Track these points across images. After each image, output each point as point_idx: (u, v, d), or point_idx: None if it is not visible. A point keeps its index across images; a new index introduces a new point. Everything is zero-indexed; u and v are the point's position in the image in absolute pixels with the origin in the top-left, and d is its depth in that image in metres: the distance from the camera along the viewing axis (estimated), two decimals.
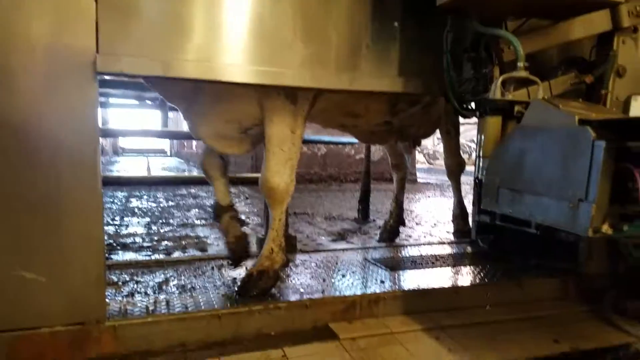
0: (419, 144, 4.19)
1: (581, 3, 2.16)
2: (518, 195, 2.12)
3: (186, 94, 2.64)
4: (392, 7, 2.55)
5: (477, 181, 2.45)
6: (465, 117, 2.64)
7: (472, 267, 3.27)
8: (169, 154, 22.90)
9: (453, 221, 4.04)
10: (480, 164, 2.37)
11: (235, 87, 2.42)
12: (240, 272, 3.03)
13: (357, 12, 2.48)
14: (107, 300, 2.31)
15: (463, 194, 4.08)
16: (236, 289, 2.65)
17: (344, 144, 7.29)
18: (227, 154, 2.97)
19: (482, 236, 3.97)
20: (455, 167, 3.94)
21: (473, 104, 2.56)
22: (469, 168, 3.66)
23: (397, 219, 4.14)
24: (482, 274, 3.10)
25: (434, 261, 3.39)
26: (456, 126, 3.86)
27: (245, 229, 3.15)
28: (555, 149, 1.94)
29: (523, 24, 2.48)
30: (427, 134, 3.94)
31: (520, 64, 2.22)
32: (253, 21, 2.29)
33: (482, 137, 2.33)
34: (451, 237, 4.16)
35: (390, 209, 4.19)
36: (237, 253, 3.01)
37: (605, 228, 1.79)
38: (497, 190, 2.22)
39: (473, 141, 15.71)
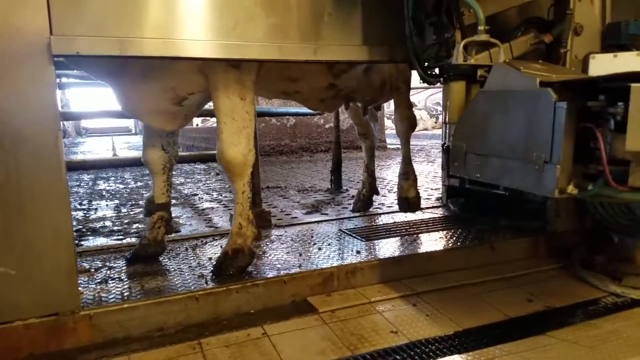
0: (378, 109, 4.13)
1: None
2: (485, 160, 2.14)
3: (114, 69, 2.49)
4: None
5: (444, 147, 2.47)
6: (430, 83, 2.63)
7: (444, 231, 3.33)
8: (133, 131, 22.40)
9: (398, 189, 3.78)
10: (447, 130, 2.39)
11: None
12: (214, 252, 3.01)
13: None
14: (80, 288, 2.26)
15: (432, 158, 4.10)
16: (211, 269, 2.63)
17: (312, 114, 7.23)
18: (163, 130, 2.83)
19: (452, 200, 4.05)
20: (403, 124, 3.66)
21: (437, 70, 2.56)
22: (434, 132, 3.67)
23: (370, 188, 4.13)
24: (454, 238, 3.16)
25: (408, 228, 3.43)
26: (408, 83, 3.64)
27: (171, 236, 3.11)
28: (518, 112, 1.96)
29: None
30: (374, 100, 3.76)
31: (481, 27, 2.22)
32: None
33: (448, 102, 2.33)
34: (422, 203, 4.20)
35: (362, 179, 4.19)
36: (143, 255, 2.85)
37: (571, 189, 1.83)
38: (464, 156, 2.24)
39: (439, 104, 15.84)
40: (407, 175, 3.70)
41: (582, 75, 2.27)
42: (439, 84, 2.63)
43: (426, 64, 2.54)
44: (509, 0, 2.51)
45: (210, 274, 2.58)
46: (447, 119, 2.35)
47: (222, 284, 2.43)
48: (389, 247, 3.00)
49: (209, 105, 2.75)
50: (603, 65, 2.29)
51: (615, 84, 1.68)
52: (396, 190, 3.85)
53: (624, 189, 1.74)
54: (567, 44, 2.47)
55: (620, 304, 2.40)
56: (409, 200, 3.69)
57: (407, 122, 3.67)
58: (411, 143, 3.91)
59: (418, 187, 3.76)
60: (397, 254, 2.87)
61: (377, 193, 4.29)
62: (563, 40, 2.48)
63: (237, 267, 2.58)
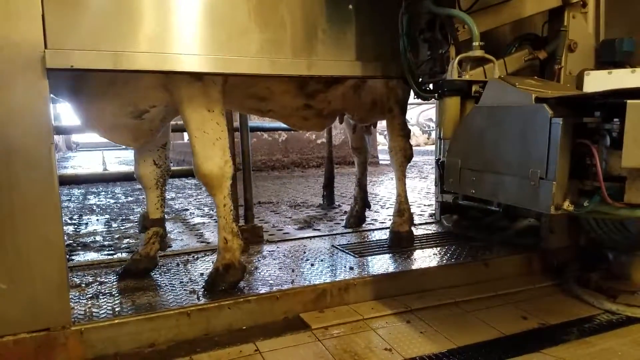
0: (374, 126, 4.09)
1: None
2: (480, 176, 2.14)
3: (73, 84, 2.44)
4: None
5: (438, 163, 2.47)
6: (425, 99, 2.65)
7: (438, 248, 3.32)
8: (124, 146, 22.23)
9: (391, 224, 3.48)
10: (441, 146, 2.39)
11: None
12: (206, 267, 2.98)
13: None
14: (71, 303, 2.22)
15: (425, 174, 4.07)
16: (203, 285, 2.60)
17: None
18: (127, 145, 2.80)
19: (445, 216, 4.05)
20: (396, 156, 3.38)
21: (431, 86, 2.58)
22: (426, 148, 3.61)
23: (362, 203, 4.10)
24: (448, 254, 3.16)
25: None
26: (402, 106, 3.35)
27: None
28: (513, 127, 1.96)
29: (476, 2, 2.49)
30: (364, 119, 3.61)
31: (476, 43, 2.24)
32: (206, 6, 2.21)
33: (442, 118, 2.34)
34: (418, 219, 4.20)
35: (354, 194, 4.16)
36: (134, 270, 2.81)
37: (567, 205, 1.83)
38: (459, 171, 2.24)
39: (432, 120, 15.94)
40: (402, 212, 3.42)
41: (577, 92, 2.29)
42: (432, 100, 2.65)
43: (420, 79, 2.56)
44: (503, 16, 2.54)
45: (202, 290, 2.54)
46: (441, 135, 2.36)
47: (214, 299, 2.41)
48: (382, 264, 2.99)
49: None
50: (598, 81, 2.32)
51: (611, 100, 1.69)
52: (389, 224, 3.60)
53: (620, 206, 1.73)
54: (561, 61, 2.50)
55: (615, 321, 2.40)
56: (400, 234, 3.37)
57: (401, 155, 3.36)
58: (417, 158, 3.84)
59: (411, 203, 3.73)
60: (390, 270, 2.86)
61: (369, 207, 4.24)
62: (557, 56, 2.51)
63: (229, 282, 2.55)
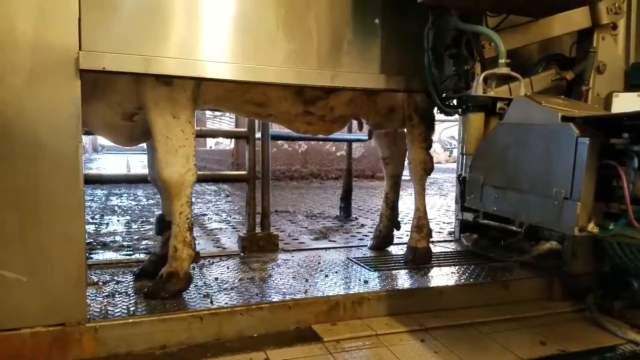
0: (387, 135, 3.73)
1: (560, 1, 2.17)
2: (502, 193, 2.11)
3: None
4: (373, 2, 2.54)
5: (460, 179, 2.44)
6: (447, 114, 2.63)
7: (456, 267, 3.27)
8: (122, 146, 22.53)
9: (409, 239, 3.37)
10: (463, 161, 2.37)
11: None
12: (221, 272, 2.99)
13: (338, 7, 2.47)
14: (87, 300, 2.25)
15: (445, 191, 3.95)
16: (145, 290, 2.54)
17: (325, 140, 7.27)
18: (124, 145, 2.82)
19: (465, 235, 4.00)
20: (415, 168, 3.23)
21: (455, 101, 2.56)
22: (447, 166, 3.51)
23: (389, 222, 3.72)
24: (466, 274, 3.11)
25: None
26: (423, 114, 3.13)
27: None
28: (538, 146, 1.93)
29: (503, 20, 2.49)
30: (381, 125, 3.47)
31: (502, 61, 2.23)
32: (236, 15, 2.25)
33: (465, 134, 2.32)
34: (434, 237, 4.15)
35: (381, 211, 3.78)
36: (151, 271, 2.77)
37: (591, 227, 1.78)
38: (481, 188, 2.21)
39: (454, 137, 15.84)
40: (420, 228, 3.30)
41: (605, 112, 2.25)
42: (454, 117, 2.63)
43: (444, 94, 2.55)
44: (531, 35, 2.52)
45: (143, 296, 2.50)
46: (464, 150, 2.34)
47: (228, 305, 2.41)
48: (398, 279, 2.96)
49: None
50: (626, 103, 2.27)
51: (638, 123, 1.65)
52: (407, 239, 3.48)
53: None
54: (589, 82, 2.47)
55: (639, 352, 2.32)
56: (417, 251, 3.26)
57: (420, 168, 3.21)
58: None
59: (430, 220, 3.65)
60: (406, 286, 2.83)
61: (398, 228, 3.82)
62: (585, 78, 2.47)
63: (170, 291, 2.50)
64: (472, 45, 2.39)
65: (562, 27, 2.54)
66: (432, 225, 4.52)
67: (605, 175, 1.76)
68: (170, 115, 2.41)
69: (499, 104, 2.22)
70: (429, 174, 3.29)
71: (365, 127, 3.76)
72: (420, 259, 3.26)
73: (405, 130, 3.39)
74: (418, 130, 3.18)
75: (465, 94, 2.34)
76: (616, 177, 1.73)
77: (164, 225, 2.91)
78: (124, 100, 2.53)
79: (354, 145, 7.46)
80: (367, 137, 4.06)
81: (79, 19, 1.97)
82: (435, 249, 3.74)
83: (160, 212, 2.97)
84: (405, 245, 3.43)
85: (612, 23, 2.52)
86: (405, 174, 3.67)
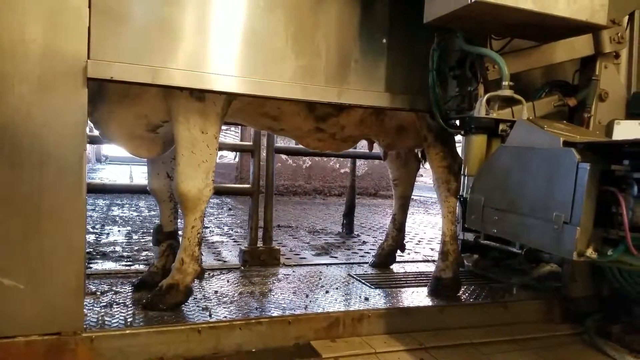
0: (424, 159, 3.63)
1: (563, 27, 2.18)
2: (503, 215, 2.10)
3: (91, 95, 2.40)
4: (381, 23, 2.57)
5: (461, 199, 2.44)
6: (450, 133, 2.64)
7: None
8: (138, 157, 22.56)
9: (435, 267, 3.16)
10: (465, 182, 2.37)
11: None
12: (221, 285, 2.98)
13: (346, 26, 2.50)
14: (85, 310, 2.24)
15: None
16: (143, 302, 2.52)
17: (328, 156, 7.29)
18: (141, 156, 2.84)
19: (466, 255, 3.98)
20: (438, 189, 3.13)
21: (458, 122, 2.57)
22: None
23: (394, 242, 3.71)
24: (466, 294, 3.09)
25: (419, 279, 3.37)
26: (437, 133, 2.99)
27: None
28: (539, 169, 1.93)
29: (507, 43, 2.51)
30: (393, 145, 3.47)
31: (505, 83, 2.24)
32: (245, 30, 2.28)
33: (467, 155, 2.33)
34: (435, 256, 4.12)
35: (387, 230, 3.79)
36: (150, 282, 2.77)
37: (590, 252, 1.77)
38: (482, 209, 2.21)
39: None
40: (446, 255, 3.07)
41: (606, 138, 2.26)
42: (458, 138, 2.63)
43: (448, 114, 2.56)
44: (534, 60, 2.54)
45: (141, 307, 2.48)
46: (465, 171, 2.34)
47: (227, 319, 2.39)
48: (398, 297, 2.94)
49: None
50: (627, 131, 2.28)
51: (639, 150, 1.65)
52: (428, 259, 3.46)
53: None
54: (591, 109, 2.48)
55: None
56: (442, 281, 3.02)
57: (444, 188, 3.07)
58: (425, 194, 3.72)
59: (431, 239, 3.64)
60: (406, 304, 2.81)
61: (403, 249, 3.78)
62: (587, 105, 2.49)
63: (168, 303, 2.48)
64: (476, 67, 2.41)
65: (565, 54, 2.56)
66: (432, 244, 4.49)
67: (605, 201, 1.76)
68: (199, 130, 2.43)
69: (501, 126, 2.23)
70: (456, 195, 3.06)
71: (376, 148, 3.76)
72: (444, 290, 3.00)
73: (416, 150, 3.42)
74: (435, 150, 3.07)
75: (468, 114, 2.35)
76: (616, 203, 1.73)
77: (162, 236, 2.91)
78: (152, 111, 2.56)
79: (358, 162, 7.48)
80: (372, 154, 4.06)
81: (89, 28, 2.00)
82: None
83: (157, 222, 2.97)
84: (407, 263, 3.40)
85: (615, 52, 2.54)
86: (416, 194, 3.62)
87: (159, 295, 2.51)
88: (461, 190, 2.42)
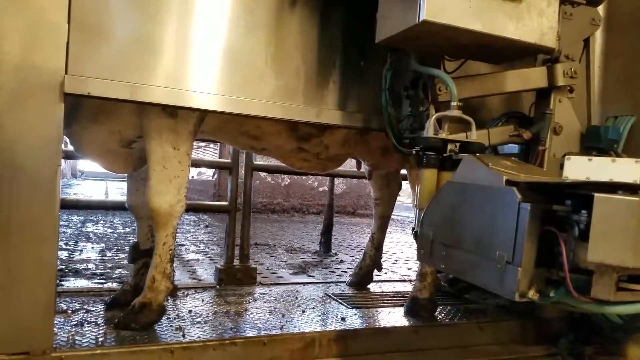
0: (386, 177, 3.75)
1: (514, 48, 2.18)
2: (450, 251, 2.05)
3: (66, 111, 2.40)
4: (360, 46, 2.59)
5: (414, 232, 2.40)
6: (403, 153, 2.58)
7: None
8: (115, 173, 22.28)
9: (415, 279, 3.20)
10: (418, 215, 2.32)
11: None
12: (195, 304, 2.94)
13: (325, 48, 2.52)
14: (55, 329, 2.18)
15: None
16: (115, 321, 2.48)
17: (306, 174, 7.30)
18: (116, 172, 2.84)
19: (442, 275, 4.00)
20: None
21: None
22: None
23: (371, 262, 3.72)
24: (442, 314, 3.10)
25: (395, 299, 3.37)
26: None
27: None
28: (483, 207, 1.89)
29: (461, 65, 2.53)
30: (378, 165, 3.51)
31: (454, 103, 2.21)
32: (227, 48, 2.29)
33: (419, 188, 2.29)
34: (412, 275, 4.15)
35: (365, 249, 3.79)
36: (123, 301, 2.73)
37: (532, 293, 1.72)
38: (431, 244, 2.16)
39: None
40: (424, 276, 3.09)
41: (549, 178, 2.16)
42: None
43: (403, 134, 2.52)
44: (488, 87, 2.53)
45: (113, 326, 2.44)
46: (417, 204, 2.30)
47: (200, 339, 2.35)
48: (375, 317, 2.94)
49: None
50: (577, 167, 2.20)
51: (580, 191, 1.62)
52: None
53: (586, 300, 1.63)
54: (545, 143, 2.48)
55: None
56: (418, 301, 3.05)
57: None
58: (403, 214, 3.76)
59: (407, 258, 3.65)
60: (383, 324, 2.81)
61: (380, 269, 3.80)
62: (542, 138, 2.48)
63: (141, 322, 2.45)
64: (427, 87, 2.39)
65: (520, 84, 2.54)
66: (409, 264, 4.51)
67: (548, 241, 1.72)
68: (170, 146, 2.44)
69: (450, 146, 2.21)
70: None
71: (364, 166, 3.76)
72: (421, 310, 3.02)
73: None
74: (416, 172, 3.07)
75: (418, 135, 2.34)
76: (557, 244, 1.69)
77: (137, 253, 2.87)
78: (125, 127, 2.55)
79: (336, 181, 7.49)
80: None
81: (67, 44, 1.98)
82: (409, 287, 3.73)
83: (134, 240, 2.93)
84: (384, 282, 3.41)
85: (569, 86, 2.55)
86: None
87: (131, 314, 2.46)
88: (414, 223, 2.37)
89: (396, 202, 3.97)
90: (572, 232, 1.65)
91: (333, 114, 2.55)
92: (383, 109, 2.50)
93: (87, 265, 3.95)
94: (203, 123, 2.61)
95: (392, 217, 3.94)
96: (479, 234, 1.90)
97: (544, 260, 1.73)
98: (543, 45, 2.14)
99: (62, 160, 2.13)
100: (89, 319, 2.54)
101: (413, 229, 2.38)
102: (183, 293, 3.18)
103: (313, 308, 3.03)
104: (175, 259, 4.47)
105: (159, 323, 2.52)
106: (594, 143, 2.53)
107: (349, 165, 4.78)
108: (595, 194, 1.54)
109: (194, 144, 2.68)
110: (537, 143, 2.48)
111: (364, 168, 3.78)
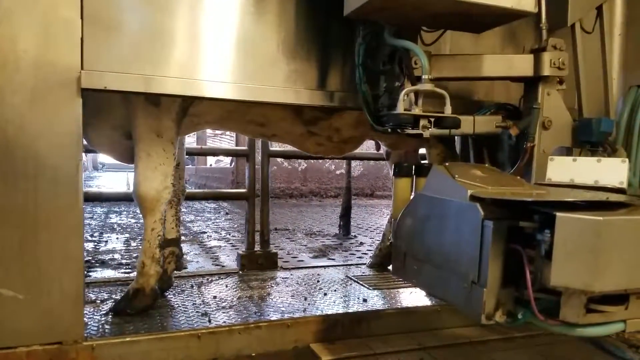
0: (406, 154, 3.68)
1: (491, 14, 2.07)
2: (421, 266, 1.97)
3: None
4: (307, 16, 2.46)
5: (390, 244, 2.32)
6: (379, 131, 2.48)
7: None
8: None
9: None
10: (393, 226, 2.22)
11: None
12: (219, 290, 2.99)
13: (333, 32, 2.48)
14: (85, 319, 2.25)
15: None
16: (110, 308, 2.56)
17: (323, 158, 7.31)
18: (128, 163, 2.84)
19: None
20: None
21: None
22: None
23: (390, 243, 3.85)
24: None
25: None
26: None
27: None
28: (450, 222, 1.80)
29: (439, 37, 2.42)
30: (396, 145, 3.49)
31: (425, 77, 2.12)
32: (238, 36, 2.29)
33: (393, 198, 2.25)
34: None
35: (384, 231, 3.79)
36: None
37: (499, 315, 1.64)
38: (404, 257, 2.09)
39: None
40: None
41: (515, 193, 1.89)
42: None
43: (379, 112, 2.37)
44: (470, 69, 2.39)
45: (110, 312, 2.52)
46: (392, 215, 2.23)
47: (225, 323, 2.41)
48: (396, 298, 2.96)
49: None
50: (561, 168, 2.06)
51: (544, 210, 1.52)
52: None
53: (554, 323, 1.55)
54: (534, 138, 2.33)
55: None
56: None
57: None
58: None
59: None
60: (404, 305, 2.83)
61: None
62: (530, 134, 2.34)
63: (136, 308, 2.52)
64: (403, 62, 2.26)
65: (503, 69, 2.40)
66: None
67: (516, 259, 1.61)
68: (154, 134, 2.48)
69: (422, 122, 2.11)
70: None
71: (383, 147, 3.73)
72: None
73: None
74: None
75: (389, 112, 2.22)
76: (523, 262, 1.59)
77: (164, 242, 2.92)
78: (123, 119, 2.59)
79: (353, 163, 7.48)
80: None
81: (82, 39, 2.01)
82: None
83: None
84: None
85: (559, 77, 2.37)
86: None
87: (126, 300, 2.53)
88: (392, 234, 2.31)
89: None
90: (539, 250, 1.55)
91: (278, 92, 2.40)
92: (357, 86, 2.36)
93: (112, 256, 4.04)
94: (203, 113, 2.64)
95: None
96: (447, 249, 1.81)
97: (514, 278, 1.63)
98: (521, 9, 2.02)
99: (83, 154, 2.17)
100: None
101: (389, 240, 2.31)
102: (207, 279, 3.24)
103: (335, 290, 3.06)
104: (197, 246, 4.56)
105: (185, 309, 2.58)
106: (586, 137, 2.34)
107: (366, 147, 4.76)
108: (557, 214, 1.45)
109: (210, 132, 2.70)
110: (525, 139, 2.34)
111: (382, 149, 3.75)
